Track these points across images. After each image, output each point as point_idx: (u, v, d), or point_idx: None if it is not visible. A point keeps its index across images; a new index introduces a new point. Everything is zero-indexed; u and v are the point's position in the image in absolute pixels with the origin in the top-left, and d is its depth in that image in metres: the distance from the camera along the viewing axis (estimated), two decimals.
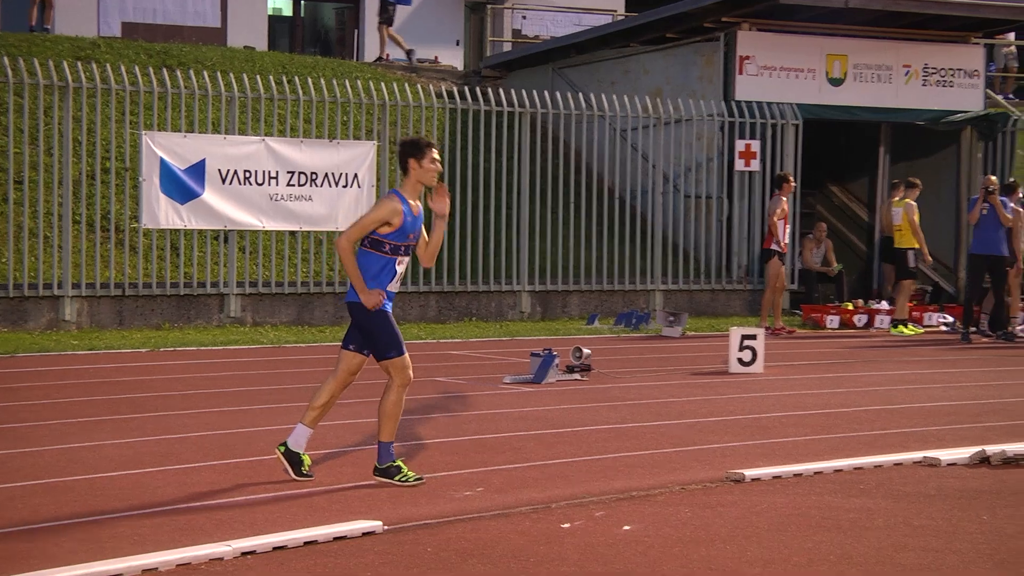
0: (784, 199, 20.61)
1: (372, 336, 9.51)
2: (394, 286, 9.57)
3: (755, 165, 23.12)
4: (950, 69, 24.96)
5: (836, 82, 24.37)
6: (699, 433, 12.04)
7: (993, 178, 21.27)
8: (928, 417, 13.13)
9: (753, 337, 16.19)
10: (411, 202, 9.47)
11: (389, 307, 9.53)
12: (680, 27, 24.77)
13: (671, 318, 20.25)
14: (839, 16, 23.73)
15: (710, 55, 24.19)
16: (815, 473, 10.34)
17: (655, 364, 16.78)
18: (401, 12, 32.11)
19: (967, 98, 25.00)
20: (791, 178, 21.12)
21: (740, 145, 23.13)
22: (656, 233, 22.88)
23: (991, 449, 10.94)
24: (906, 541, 8.37)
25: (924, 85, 24.73)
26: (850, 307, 22.27)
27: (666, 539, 8.28)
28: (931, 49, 24.89)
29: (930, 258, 22.07)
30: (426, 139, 9.68)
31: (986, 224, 20.43)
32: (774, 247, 20.55)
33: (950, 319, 21.96)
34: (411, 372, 9.60)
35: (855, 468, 10.54)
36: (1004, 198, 20.87)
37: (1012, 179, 22.99)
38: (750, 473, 10.10)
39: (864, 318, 21.98)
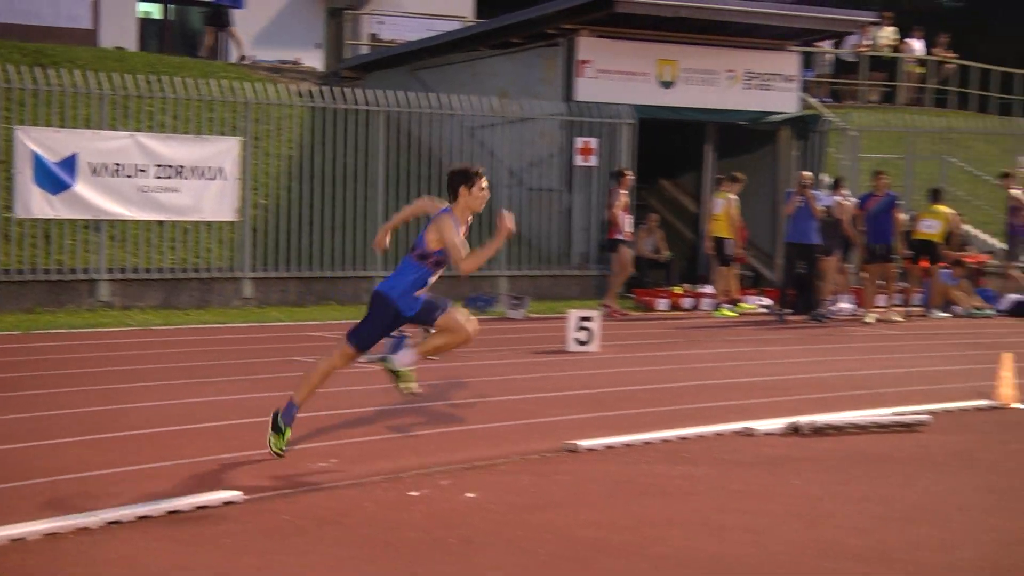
0: (623, 192, 20.83)
1: (364, 322, 9.43)
2: (422, 292, 9.42)
3: (593, 161, 23.26)
4: (769, 74, 25.32)
5: (667, 85, 24.59)
6: (538, 407, 12.10)
7: (807, 174, 21.61)
8: (746, 391, 13.34)
9: (589, 319, 16.31)
10: (460, 228, 9.36)
11: (411, 312, 9.35)
12: (524, 33, 24.80)
13: (515, 301, 20.34)
14: (670, 24, 23.97)
15: (552, 59, 24.25)
16: (644, 443, 10.46)
17: (499, 344, 16.81)
18: (263, 16, 31.75)
19: (784, 100, 25.40)
20: (628, 172, 21.31)
21: (579, 142, 23.23)
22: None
23: (802, 420, 11.16)
24: (725, 504, 8.51)
25: (746, 88, 25.05)
26: (678, 291, 22.52)
27: (507, 505, 8.33)
28: (752, 55, 25.21)
29: (740, 251, 22.29)
30: (475, 167, 9.55)
31: (800, 215, 20.81)
32: (619, 236, 20.79)
33: (768, 301, 22.30)
34: (349, 364, 9.60)
35: (680, 438, 10.68)
36: (818, 192, 21.29)
37: (826, 176, 23.43)
38: (584, 443, 10.19)
39: (691, 301, 22.25)
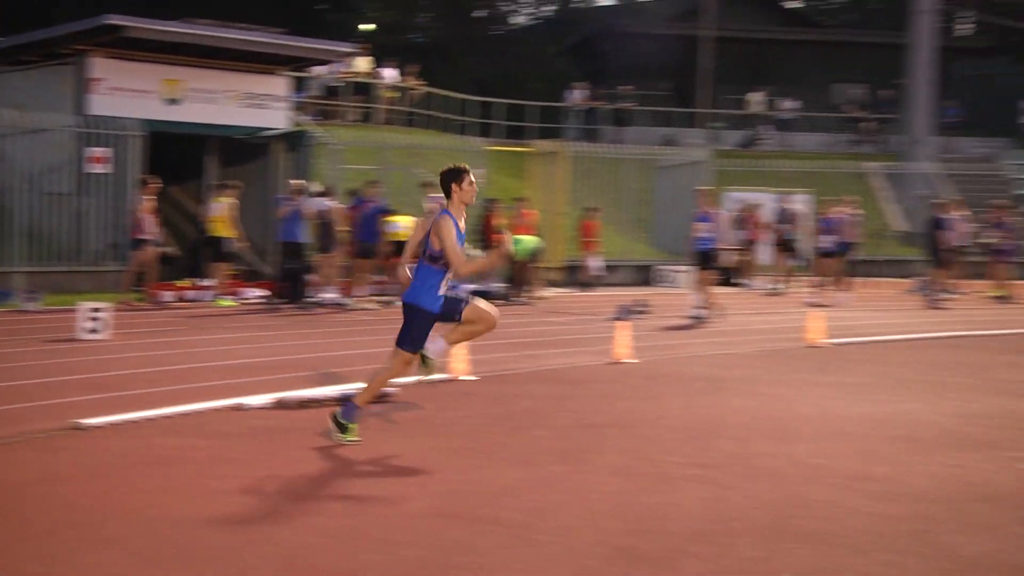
0: (146, 197, 20.52)
1: (407, 328, 9.09)
2: (443, 290, 9.05)
3: (105, 168, 22.56)
4: (263, 95, 25.35)
5: (174, 102, 24.14)
6: (47, 390, 11.60)
7: (297, 182, 21.87)
8: (241, 371, 13.30)
9: (99, 310, 15.78)
10: (459, 221, 8.97)
11: (438, 308, 9.04)
12: (39, 52, 23.77)
13: (30, 295, 19.43)
14: (177, 49, 23.58)
15: (66, 76, 23.35)
16: (147, 420, 10.25)
17: (14, 333, 16.00)
18: None
19: (276, 118, 25.50)
20: (151, 180, 21.03)
21: (92, 152, 22.50)
22: (17, 224, 21.87)
23: (288, 395, 11.25)
24: (216, 471, 8.49)
25: (243, 107, 24.97)
26: (182, 284, 22.14)
27: (12, 480, 7.97)
28: (249, 78, 25.16)
29: (244, 243, 22.37)
30: (461, 165, 9.12)
31: (292, 218, 21.25)
32: (143, 236, 20.41)
33: (264, 292, 22.32)
34: (409, 370, 9.31)
35: (180, 414, 10.54)
36: (307, 197, 21.57)
37: (315, 184, 23.69)
38: (90, 421, 9.88)
39: (195, 293, 21.92)
